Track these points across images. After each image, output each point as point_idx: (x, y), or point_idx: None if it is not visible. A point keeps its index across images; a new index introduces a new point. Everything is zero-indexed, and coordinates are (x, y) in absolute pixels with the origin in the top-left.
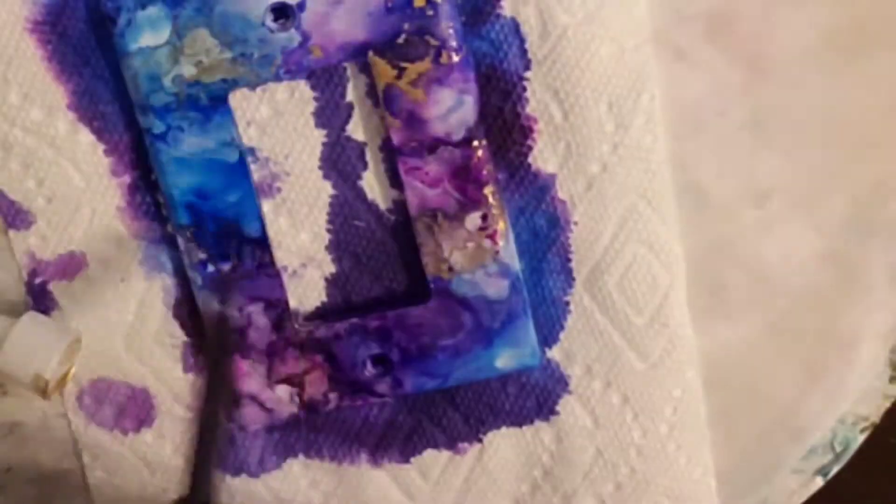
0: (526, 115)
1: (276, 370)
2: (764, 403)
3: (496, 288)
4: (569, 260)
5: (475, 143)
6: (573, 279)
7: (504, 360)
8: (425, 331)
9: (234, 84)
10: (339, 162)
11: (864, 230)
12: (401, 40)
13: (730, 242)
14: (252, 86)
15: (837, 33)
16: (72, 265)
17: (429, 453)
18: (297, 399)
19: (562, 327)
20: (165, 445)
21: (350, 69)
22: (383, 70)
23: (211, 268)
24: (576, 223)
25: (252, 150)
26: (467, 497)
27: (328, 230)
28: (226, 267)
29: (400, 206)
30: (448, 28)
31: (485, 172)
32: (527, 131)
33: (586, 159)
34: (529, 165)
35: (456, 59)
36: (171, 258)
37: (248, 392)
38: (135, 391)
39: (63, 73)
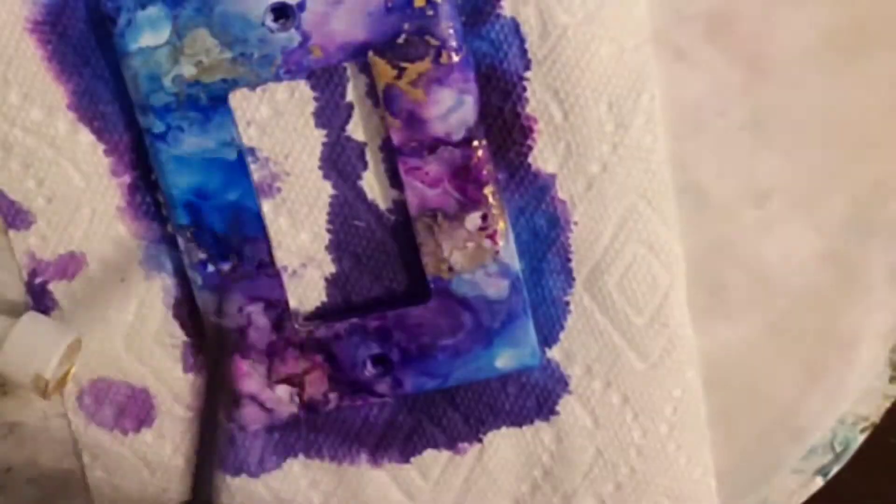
0: (526, 115)
1: (276, 370)
2: (764, 403)
3: (496, 288)
4: (569, 260)
5: (475, 143)
6: (573, 279)
7: (504, 360)
8: (425, 331)
9: (234, 84)
10: (339, 162)
11: (864, 230)
12: (401, 40)
13: (730, 242)
14: (252, 86)
15: (837, 33)
16: (72, 265)
17: (429, 453)
18: (296, 399)
19: (562, 327)
20: (165, 445)
21: (350, 69)
22: (383, 70)
23: (211, 268)
24: (576, 223)
25: (252, 150)
26: (467, 497)
27: (328, 230)
28: (226, 267)
29: (400, 206)
30: (448, 28)
31: (485, 172)
32: (527, 131)
33: (586, 159)
34: (529, 165)
35: (456, 59)
36: (171, 258)
37: (248, 392)
38: (135, 391)
39: (63, 73)
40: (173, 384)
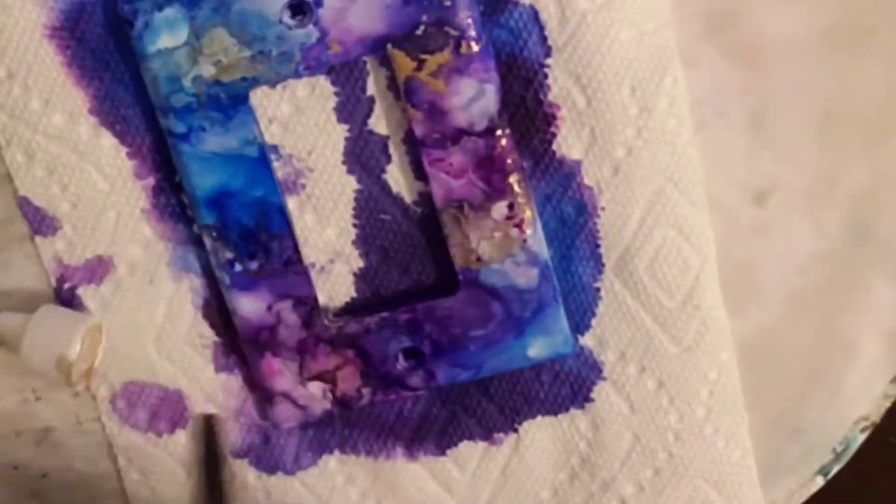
0: (548, 102)
1: (308, 367)
2: (764, 403)
3: (525, 277)
4: (597, 246)
5: (498, 132)
6: (603, 265)
7: (536, 348)
8: (455, 322)
9: (253, 82)
10: (363, 156)
11: (864, 230)
12: (419, 32)
13: (729, 242)
14: (272, 83)
15: (837, 32)
16: (99, 269)
17: (465, 445)
18: (329, 395)
19: (593, 314)
20: (200, 446)
21: (370, 63)
22: (403, 62)
23: (238, 267)
24: (603, 209)
25: (275, 148)
26: (505, 487)
27: (354, 225)
28: (253, 265)
29: (425, 199)
30: (467, 18)
31: (509, 161)
32: (550, 118)
33: (611, 144)
34: (554, 153)
35: (476, 48)
36: (198, 258)
37: (280, 390)
38: (167, 393)
39: (83, 77)
40: (205, 384)
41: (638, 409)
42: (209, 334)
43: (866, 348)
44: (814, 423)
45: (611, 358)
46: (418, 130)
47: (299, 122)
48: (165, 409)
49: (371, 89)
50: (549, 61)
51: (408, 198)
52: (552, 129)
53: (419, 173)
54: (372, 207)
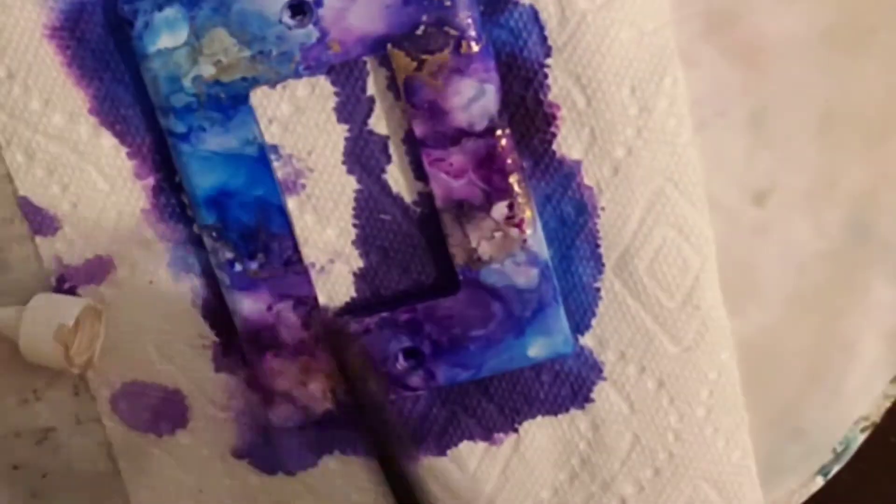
0: (548, 102)
1: (308, 367)
2: (764, 403)
3: (525, 277)
4: (597, 246)
5: (498, 132)
6: (603, 265)
7: (536, 348)
8: (456, 322)
9: (253, 82)
10: (363, 156)
11: (864, 230)
12: (419, 32)
13: (729, 242)
14: (272, 83)
15: (837, 32)
16: (100, 269)
17: (465, 445)
18: (329, 395)
19: (593, 314)
20: (200, 446)
21: (370, 62)
22: (403, 62)
23: (238, 267)
24: (603, 209)
25: (275, 148)
26: (505, 487)
27: (354, 225)
28: (253, 265)
29: (425, 199)
30: (466, 18)
31: (509, 161)
32: (550, 118)
33: (611, 144)
34: (554, 153)
35: (476, 48)
36: (198, 259)
37: (281, 390)
38: (168, 393)
39: (83, 77)
40: (205, 385)
41: (638, 409)
42: (209, 334)
43: (866, 348)
44: (814, 423)
45: (611, 358)
46: (418, 130)
47: (299, 122)
48: (166, 410)
49: (371, 89)
50: (549, 61)
51: (408, 198)
52: (552, 129)
53: (419, 173)
54: (372, 207)
